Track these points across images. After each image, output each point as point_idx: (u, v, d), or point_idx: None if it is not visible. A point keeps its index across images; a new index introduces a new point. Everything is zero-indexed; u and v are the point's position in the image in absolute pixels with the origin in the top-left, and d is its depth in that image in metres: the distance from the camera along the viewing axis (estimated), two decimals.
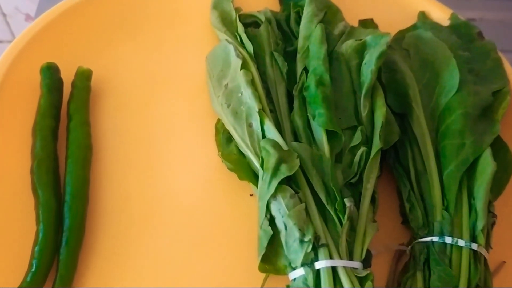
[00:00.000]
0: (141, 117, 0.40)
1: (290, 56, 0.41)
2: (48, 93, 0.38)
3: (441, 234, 0.31)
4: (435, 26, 0.43)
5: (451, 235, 0.31)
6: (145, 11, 0.45)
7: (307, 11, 0.43)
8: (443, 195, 0.33)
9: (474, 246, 0.30)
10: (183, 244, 0.34)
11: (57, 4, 0.43)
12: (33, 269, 0.31)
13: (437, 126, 0.37)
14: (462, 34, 0.43)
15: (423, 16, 0.46)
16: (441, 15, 0.46)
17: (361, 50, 0.39)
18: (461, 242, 0.30)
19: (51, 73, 0.39)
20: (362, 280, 0.29)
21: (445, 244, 0.31)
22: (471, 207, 0.32)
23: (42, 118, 0.37)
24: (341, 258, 0.29)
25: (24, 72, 0.40)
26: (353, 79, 0.38)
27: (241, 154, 0.37)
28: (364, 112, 0.36)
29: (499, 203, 0.34)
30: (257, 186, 0.34)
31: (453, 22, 0.45)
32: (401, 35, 0.43)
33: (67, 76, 0.40)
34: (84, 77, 0.40)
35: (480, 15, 0.58)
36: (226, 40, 0.42)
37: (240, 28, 0.42)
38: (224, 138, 0.38)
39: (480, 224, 0.31)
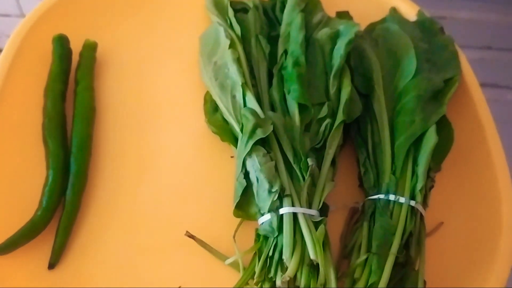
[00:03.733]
0: (139, 85, 0.45)
1: (273, 40, 0.46)
2: (58, 61, 0.44)
3: (387, 193, 0.37)
4: (402, 20, 0.49)
5: (394, 194, 0.37)
6: None
7: (290, 1, 0.48)
8: (393, 162, 0.39)
9: (412, 202, 0.36)
10: (172, 194, 0.40)
11: None
12: (43, 205, 0.37)
13: (394, 106, 0.42)
14: (426, 28, 0.49)
15: (394, 11, 0.52)
16: (411, 11, 0.52)
17: (334, 37, 0.45)
18: (402, 199, 0.36)
19: (62, 43, 0.44)
20: (316, 224, 0.35)
21: (389, 200, 0.37)
22: (414, 172, 0.38)
23: (53, 82, 0.43)
24: (301, 206, 0.35)
25: (38, 42, 0.45)
26: (326, 62, 0.44)
27: (225, 121, 0.42)
28: (332, 90, 0.42)
29: (449, 174, 0.41)
30: (236, 148, 0.39)
31: (419, 18, 0.51)
32: (372, 27, 0.49)
33: (76, 47, 0.45)
34: (90, 48, 0.45)
35: (451, 13, 0.64)
36: (218, 22, 0.47)
37: (231, 12, 0.47)
38: (211, 108, 0.44)
39: (419, 186, 0.37)
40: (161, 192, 0.40)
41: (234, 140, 0.40)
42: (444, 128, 0.41)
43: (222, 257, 0.36)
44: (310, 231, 0.34)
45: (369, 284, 0.32)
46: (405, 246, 0.35)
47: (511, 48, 0.62)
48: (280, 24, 0.48)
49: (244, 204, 0.37)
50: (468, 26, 0.63)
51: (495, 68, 0.61)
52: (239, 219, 0.38)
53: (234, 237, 0.37)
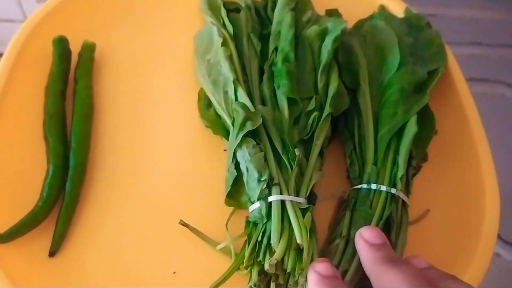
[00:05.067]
0: (136, 84, 0.47)
1: (265, 38, 0.48)
2: (58, 61, 0.45)
3: (368, 182, 0.38)
4: (389, 17, 0.50)
5: (376, 183, 0.38)
6: None
7: (281, 0, 0.50)
8: (375, 153, 0.40)
9: (393, 190, 0.37)
10: (167, 186, 0.41)
11: None
12: (44, 197, 0.38)
13: (380, 99, 0.44)
14: (413, 24, 0.50)
15: (382, 8, 0.53)
16: (399, 9, 0.53)
17: (322, 34, 0.46)
18: (383, 188, 0.38)
19: (61, 44, 0.46)
20: (304, 211, 0.36)
21: (370, 190, 0.38)
22: (395, 161, 0.39)
23: (53, 82, 0.44)
24: (289, 194, 0.37)
25: (39, 43, 0.47)
26: (315, 59, 0.45)
27: (218, 116, 0.44)
28: (320, 85, 0.43)
29: (434, 163, 0.42)
30: (228, 141, 0.41)
31: (406, 14, 0.52)
32: (361, 23, 0.50)
33: (75, 47, 0.47)
34: (89, 49, 0.47)
35: (441, 11, 0.65)
36: (211, 22, 0.49)
37: (223, 12, 0.49)
38: (205, 104, 0.45)
39: (399, 174, 0.38)
40: (156, 184, 0.41)
41: (226, 134, 0.42)
42: (426, 116, 0.42)
43: (214, 243, 0.38)
44: (297, 218, 0.35)
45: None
46: (386, 231, 0.36)
47: (500, 44, 0.63)
48: (271, 23, 0.50)
49: (235, 193, 0.39)
50: (458, 23, 0.65)
51: (485, 63, 0.63)
52: (231, 210, 0.39)
53: (226, 225, 0.39)
